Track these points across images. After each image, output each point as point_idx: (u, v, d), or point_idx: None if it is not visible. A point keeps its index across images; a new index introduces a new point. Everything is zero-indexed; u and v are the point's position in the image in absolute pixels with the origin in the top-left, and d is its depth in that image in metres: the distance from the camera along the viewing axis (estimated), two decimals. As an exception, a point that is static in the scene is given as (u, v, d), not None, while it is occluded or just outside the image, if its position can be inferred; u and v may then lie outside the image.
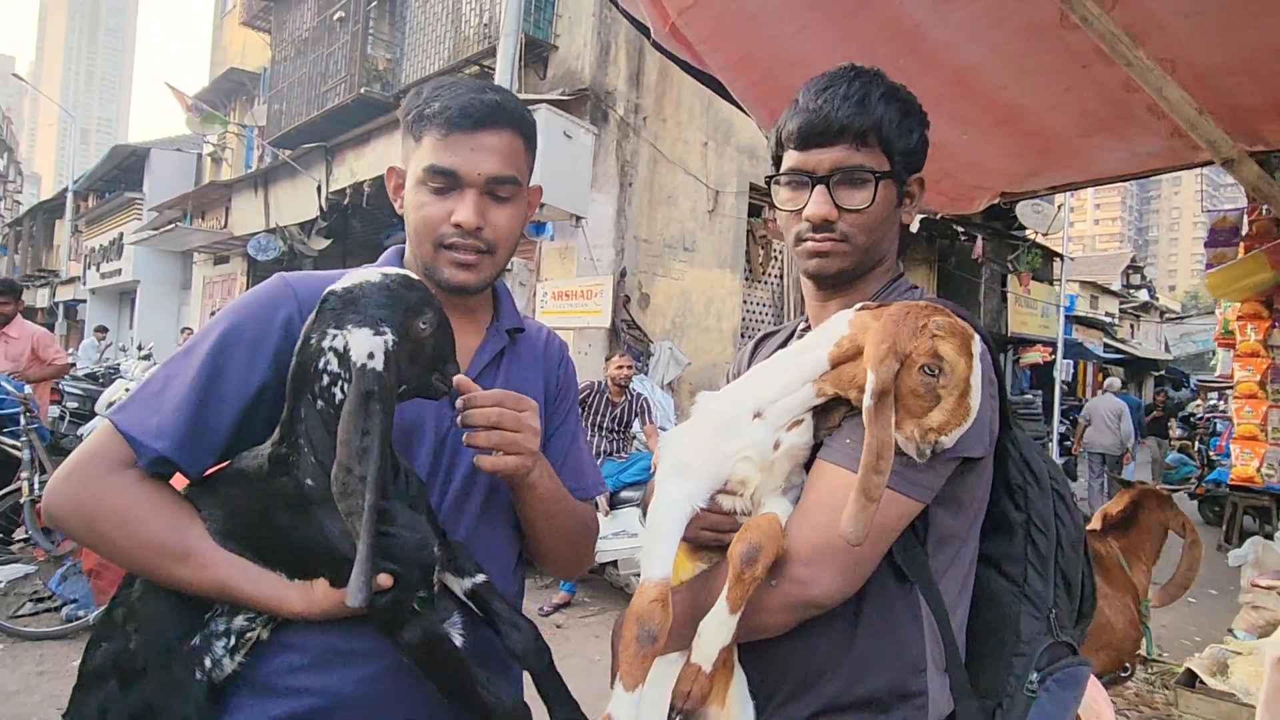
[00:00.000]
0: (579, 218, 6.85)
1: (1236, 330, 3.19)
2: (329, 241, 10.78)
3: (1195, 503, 11.05)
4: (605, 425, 5.63)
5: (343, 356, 0.88)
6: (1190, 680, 2.70)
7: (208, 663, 0.97)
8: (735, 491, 0.97)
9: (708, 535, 0.99)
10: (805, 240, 1.08)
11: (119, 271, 20.01)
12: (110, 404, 7.60)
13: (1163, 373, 29.65)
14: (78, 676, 1.02)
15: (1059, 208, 12.92)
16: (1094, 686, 1.73)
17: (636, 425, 5.85)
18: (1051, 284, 14.72)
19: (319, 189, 10.12)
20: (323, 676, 1.00)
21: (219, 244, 14.61)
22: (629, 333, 8.04)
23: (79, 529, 0.97)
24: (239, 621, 0.98)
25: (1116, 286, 32.35)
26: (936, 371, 0.86)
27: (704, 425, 1.00)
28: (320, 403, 0.90)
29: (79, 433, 7.69)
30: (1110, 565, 2.20)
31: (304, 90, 11.48)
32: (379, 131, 9.04)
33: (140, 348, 9.71)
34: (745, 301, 9.90)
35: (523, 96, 6.23)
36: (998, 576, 1.03)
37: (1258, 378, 3.16)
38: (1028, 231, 13.25)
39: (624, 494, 5.46)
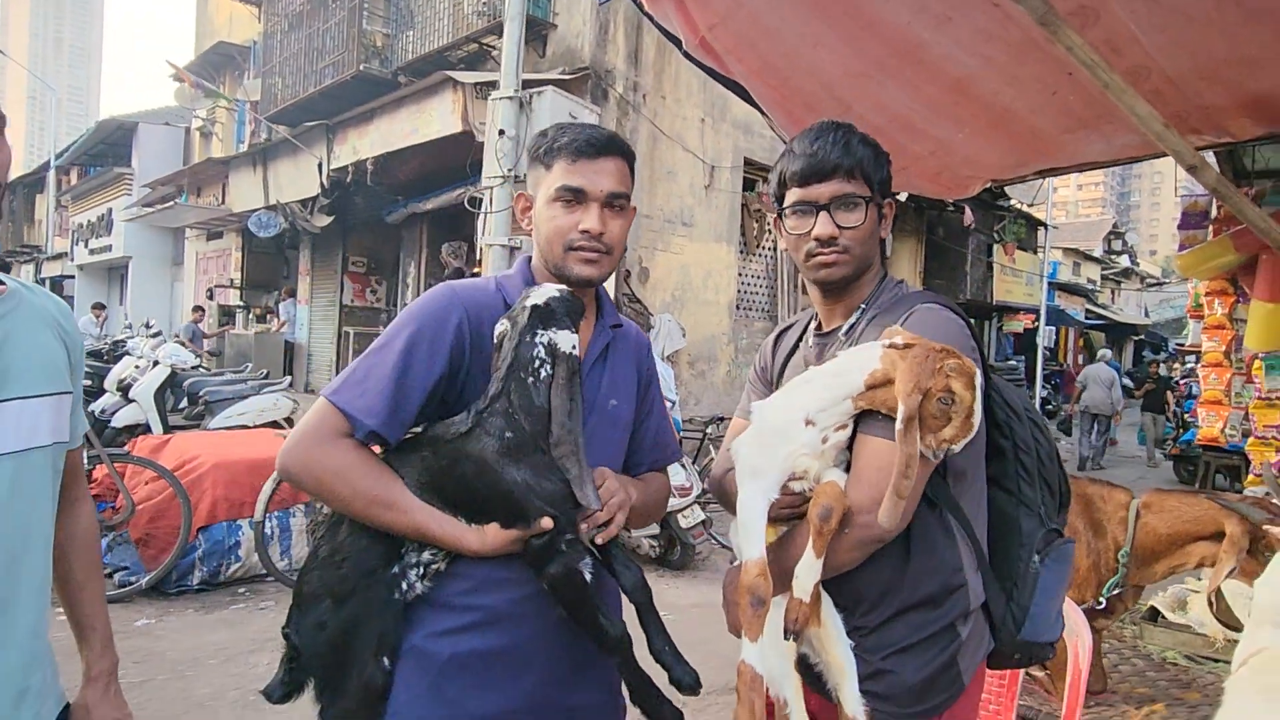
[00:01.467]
0: (584, 196, 7.08)
1: (1205, 304, 3.50)
2: (331, 219, 10.93)
3: (1171, 462, 11.57)
4: (615, 396, 5.91)
5: (550, 348, 1.24)
6: (1153, 616, 3.09)
7: (404, 586, 1.28)
8: (800, 478, 1.30)
9: (786, 512, 1.31)
10: (815, 255, 1.37)
11: (109, 248, 19.96)
12: (120, 381, 7.78)
13: (1142, 337, 30.23)
14: (294, 599, 1.32)
15: (1043, 180, 13.23)
16: (1074, 610, 2.05)
17: (644, 396, 6.16)
18: (1035, 253, 15.08)
19: (320, 166, 10.25)
20: (487, 596, 1.29)
21: (216, 220, 14.68)
22: (630, 306, 8.32)
23: (310, 484, 1.26)
24: (426, 555, 1.29)
25: (1098, 253, 32.73)
26: (950, 402, 1.15)
27: (764, 433, 1.32)
28: (531, 379, 1.23)
29: (90, 409, 7.89)
30: (1103, 517, 2.46)
31: (299, 65, 11.53)
32: (382, 110, 9.17)
33: (148, 325, 9.85)
34: (741, 274, 10.18)
35: (525, 77, 6.42)
36: (999, 491, 1.38)
37: (1223, 348, 3.49)
38: (1013, 202, 13.54)
39: (635, 460, 5.79)
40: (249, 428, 7.01)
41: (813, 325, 1.51)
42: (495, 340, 1.30)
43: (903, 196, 12.17)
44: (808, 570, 1.22)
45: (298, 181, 11.01)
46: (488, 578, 1.30)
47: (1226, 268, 3.12)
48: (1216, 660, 2.74)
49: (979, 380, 1.17)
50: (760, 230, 10.23)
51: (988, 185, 3.71)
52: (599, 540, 1.27)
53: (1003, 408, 1.38)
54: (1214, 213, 3.65)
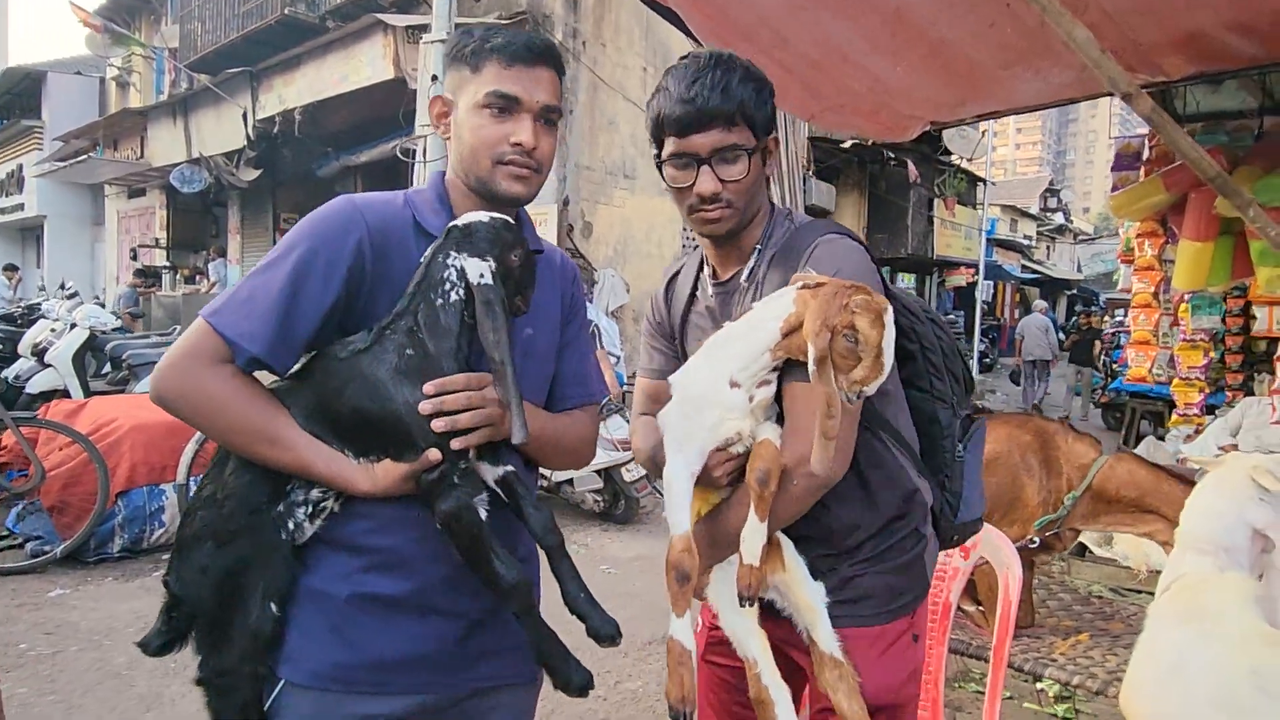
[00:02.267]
0: (522, 146, 6.88)
1: (1136, 247, 3.55)
2: (259, 172, 10.44)
3: (1100, 410, 12.01)
4: (557, 351, 5.81)
5: (460, 273, 1.16)
6: (1081, 551, 3.16)
7: (291, 525, 1.17)
8: (734, 442, 1.25)
9: (729, 477, 1.26)
10: (698, 211, 1.31)
11: (21, 206, 18.86)
12: (35, 345, 7.38)
13: (1074, 292, 31.22)
14: (176, 542, 1.21)
15: (983, 134, 13.36)
16: (1005, 544, 2.06)
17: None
18: (975, 208, 15.31)
19: (245, 117, 9.74)
20: (388, 537, 1.20)
21: (135, 176, 13.92)
22: (573, 261, 8.17)
23: (186, 413, 1.14)
24: (314, 493, 1.18)
25: (1035, 210, 33.53)
26: (855, 340, 1.09)
27: (688, 401, 1.25)
28: (439, 300, 1.15)
29: (3, 375, 7.47)
30: (1060, 456, 2.46)
31: (220, 9, 10.89)
32: (309, 56, 8.72)
33: (64, 286, 9.32)
34: (685, 229, 10.08)
35: (459, 21, 6.14)
36: (915, 391, 1.41)
37: (1152, 289, 3.55)
38: (953, 157, 13.68)
39: (577, 415, 5.71)
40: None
41: (707, 273, 1.44)
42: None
43: (847, 144, 12.25)
44: (754, 534, 1.19)
45: (221, 133, 10.47)
46: (388, 517, 1.20)
47: (1157, 208, 3.16)
48: (1139, 592, 2.81)
49: (889, 317, 1.12)
50: (704, 184, 10.12)
51: (926, 128, 3.66)
52: (454, 445, 1.15)
53: (904, 314, 1.37)
54: (1146, 154, 3.69)
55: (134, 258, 14.56)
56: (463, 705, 1.28)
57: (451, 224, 1.19)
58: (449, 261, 1.15)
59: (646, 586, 4.54)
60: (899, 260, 13.65)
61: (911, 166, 12.13)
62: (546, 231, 7.10)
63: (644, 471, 5.66)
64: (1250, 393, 8.14)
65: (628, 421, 5.67)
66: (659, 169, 1.35)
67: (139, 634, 1.22)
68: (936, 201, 13.47)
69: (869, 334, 1.10)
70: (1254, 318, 5.23)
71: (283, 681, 1.16)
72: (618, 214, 9.00)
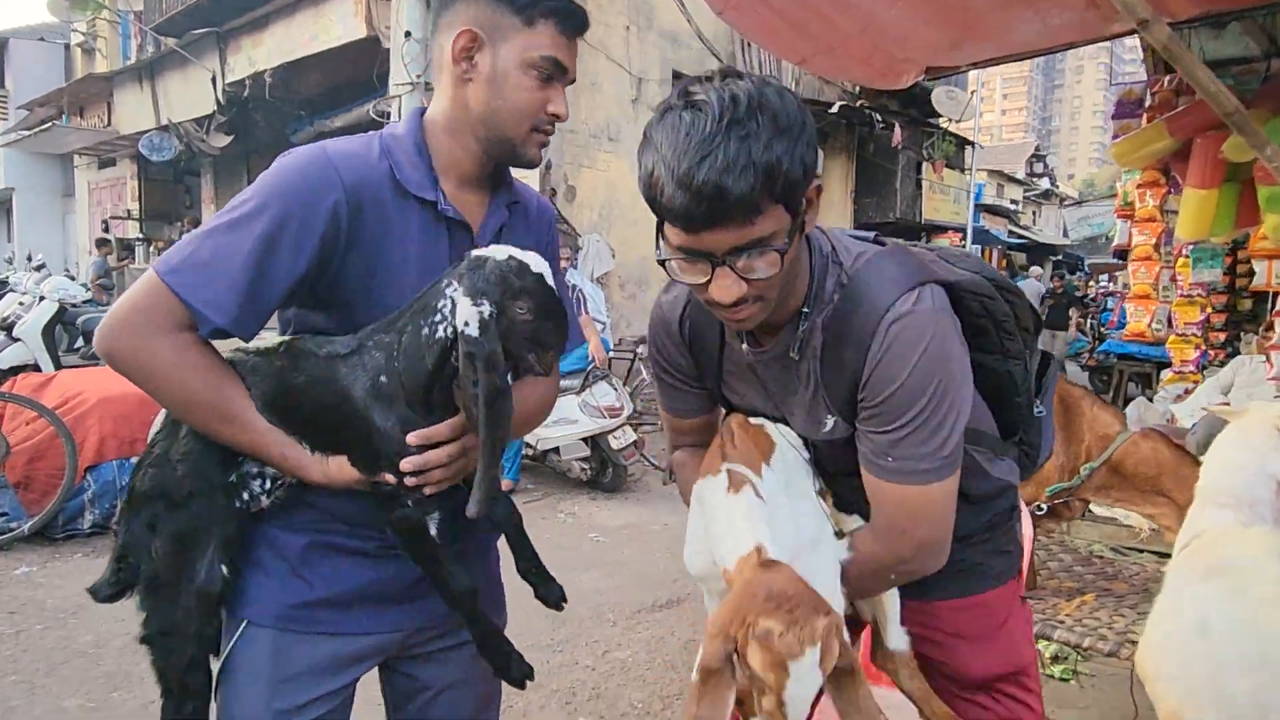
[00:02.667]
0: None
1: (1136, 198, 3.43)
2: (230, 139, 10.13)
3: (1087, 373, 12.00)
4: (540, 317, 5.66)
5: (452, 310, 1.02)
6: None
7: (245, 495, 1.13)
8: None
9: None
10: (719, 310, 1.04)
11: (-11, 179, 18.33)
12: (2, 319, 7.17)
13: (1060, 257, 31.23)
14: (127, 495, 1.16)
15: (971, 94, 13.18)
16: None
17: (571, 316, 5.93)
18: (963, 171, 15.16)
19: (214, 80, 9.42)
20: (348, 505, 1.16)
21: (104, 144, 13.51)
22: (557, 226, 7.98)
23: (137, 376, 1.05)
24: (270, 469, 1.12)
25: (1021, 175, 33.40)
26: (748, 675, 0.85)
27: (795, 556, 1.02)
28: (425, 330, 1.04)
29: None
30: (1083, 423, 2.36)
31: (185, -31, 10.47)
32: (277, 15, 8.41)
33: (30, 258, 9.05)
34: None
35: (434, -25, 5.92)
36: (986, 356, 1.23)
37: (1153, 241, 3.44)
38: (941, 120, 13.50)
39: (562, 383, 5.58)
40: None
41: (739, 340, 1.18)
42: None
43: (834, 108, 12.03)
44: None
45: (190, 98, 10.14)
46: (337, 510, 1.17)
47: (1160, 154, 3.04)
48: (1141, 551, 2.74)
49: (803, 663, 0.84)
50: (690, 147, 9.90)
51: (920, 77, 3.51)
52: (410, 483, 1.09)
53: (974, 297, 1.18)
54: (1148, 101, 3.56)
55: (105, 230, 14.19)
56: (425, 647, 1.28)
57: (473, 252, 1.08)
58: (448, 291, 1.03)
59: (635, 555, 4.45)
60: (887, 225, 13.51)
61: (897, 129, 11.94)
62: (528, 195, 6.92)
63: (633, 438, 5.56)
64: (1236, 353, 8.16)
65: (614, 389, 5.56)
66: (658, 249, 1.04)
67: (108, 611, 1.18)
68: (925, 165, 13.31)
69: (762, 676, 0.85)
70: (1243, 275, 5.15)
71: (245, 623, 1.15)
72: (601, 178, 8.80)
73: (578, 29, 1.17)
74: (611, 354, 5.91)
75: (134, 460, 4.50)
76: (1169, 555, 1.63)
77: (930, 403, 1.04)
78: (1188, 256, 3.60)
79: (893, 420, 1.05)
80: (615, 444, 5.47)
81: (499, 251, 1.06)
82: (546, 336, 1.07)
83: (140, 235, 14.14)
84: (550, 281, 1.07)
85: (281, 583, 1.15)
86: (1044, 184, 37.50)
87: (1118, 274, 23.23)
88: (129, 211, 14.46)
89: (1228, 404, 5.31)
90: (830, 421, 1.13)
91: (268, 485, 1.12)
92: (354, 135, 1.19)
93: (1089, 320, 14.67)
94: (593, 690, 2.92)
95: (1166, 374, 4.30)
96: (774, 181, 0.92)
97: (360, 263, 1.11)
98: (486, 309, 1.00)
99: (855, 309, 1.07)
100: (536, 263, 1.06)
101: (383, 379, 1.06)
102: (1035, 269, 13.34)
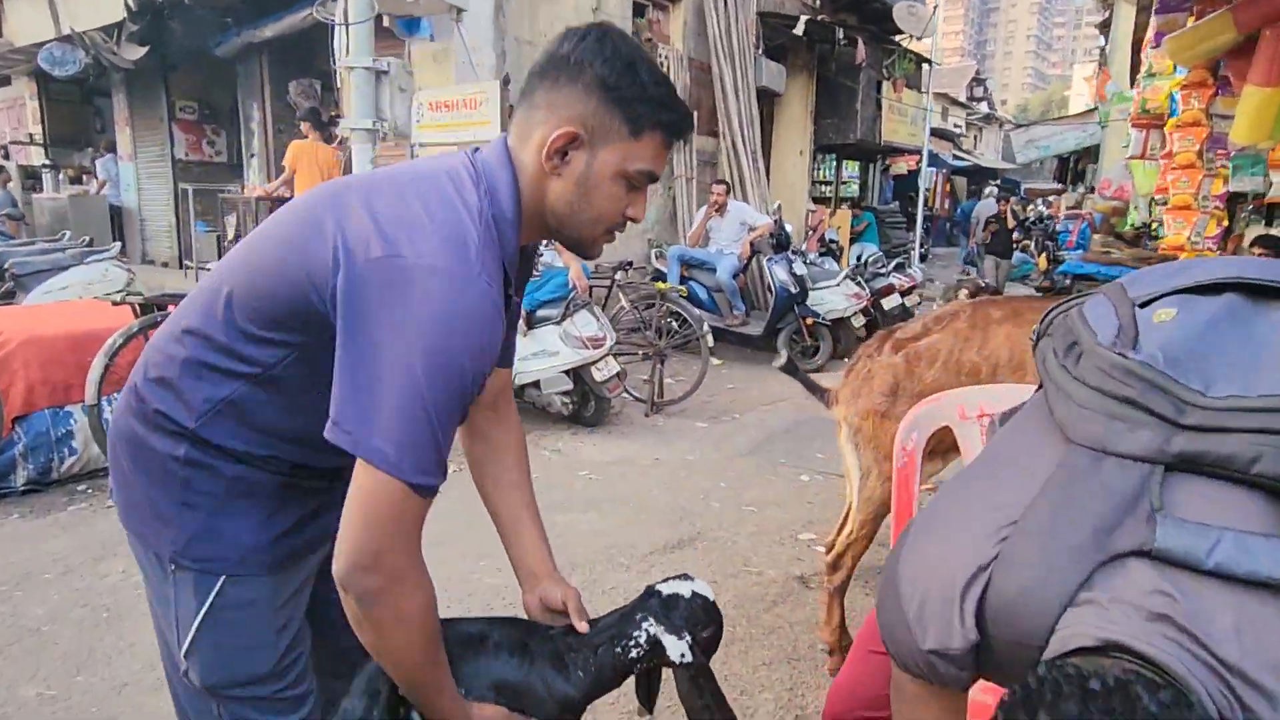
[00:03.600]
0: (460, 10, 6.03)
1: (1180, 100, 3.22)
2: (145, 50, 9.13)
3: (1041, 295, 12.15)
4: (513, 242, 5.25)
5: (652, 642, 1.20)
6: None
7: None
8: None
9: None
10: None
11: None
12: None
13: (999, 182, 31.63)
14: None
15: (934, 9, 12.82)
16: None
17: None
18: (920, 92, 14.91)
19: (121, -17, 8.40)
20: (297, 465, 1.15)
21: (-5, 60, 12.12)
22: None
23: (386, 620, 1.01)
24: None
25: (963, 98, 33.42)
26: None
27: None
28: (619, 649, 1.21)
29: None
30: None
31: None
32: (191, -95, 7.45)
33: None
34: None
35: None
36: None
37: (1196, 147, 3.25)
38: (903, 37, 13.14)
39: (540, 312, 5.22)
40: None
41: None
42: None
43: (798, 30, 11.55)
44: None
45: (96, 4, 9.06)
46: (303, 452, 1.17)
47: (1221, 49, 2.80)
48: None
49: None
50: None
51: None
52: None
53: None
54: (1197, -7, 3.35)
55: (5, 156, 12.90)
56: None
57: (653, 586, 1.26)
58: (644, 625, 1.22)
59: (632, 492, 4.21)
60: (847, 147, 13.23)
61: (861, 46, 11.55)
62: (488, 111, 6.36)
63: (616, 370, 5.26)
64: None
65: (596, 318, 5.23)
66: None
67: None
68: (885, 85, 12.98)
69: None
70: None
71: (222, 579, 1.12)
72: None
73: (680, 137, 1.11)
74: (590, 278, 5.55)
75: (69, 408, 4.07)
76: None
77: None
78: (1229, 162, 3.45)
79: None
80: (598, 376, 5.18)
81: (684, 589, 1.24)
82: (711, 652, 1.26)
83: (47, 161, 12.89)
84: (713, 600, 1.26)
85: (261, 523, 1.13)
86: (983, 108, 37.70)
87: (1051, 198, 23.65)
88: (31, 136, 13.14)
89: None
90: None
91: None
92: (453, 199, 1.03)
93: (1034, 244, 14.83)
94: (621, 643, 2.70)
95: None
96: None
97: None
98: (688, 640, 1.20)
99: None
100: (709, 593, 1.26)
101: (578, 673, 1.21)
102: (991, 189, 13.20)
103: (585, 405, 5.36)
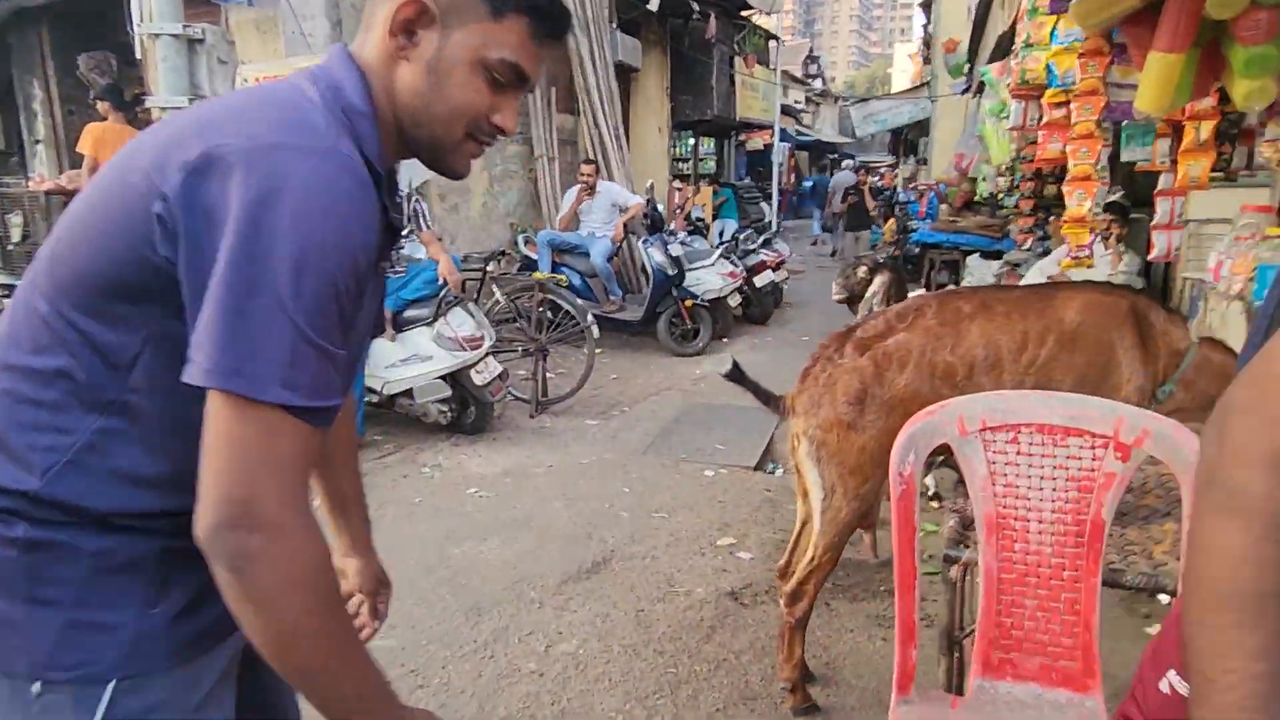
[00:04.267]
0: (285, -30, 5.27)
1: (1077, 69, 3.18)
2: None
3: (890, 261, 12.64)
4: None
5: None
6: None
7: None
8: None
9: None
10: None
11: None
12: None
13: (835, 155, 33.15)
14: None
15: (780, -15, 12.94)
16: (1184, 436, 1.58)
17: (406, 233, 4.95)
18: (770, 68, 15.09)
19: None
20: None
21: None
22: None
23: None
24: None
25: (799, 75, 34.63)
26: None
27: None
28: None
29: None
30: (1157, 337, 1.98)
31: None
32: None
33: None
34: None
35: None
36: None
37: (1095, 116, 3.23)
38: (752, 13, 13.20)
39: (409, 313, 4.66)
40: None
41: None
42: None
43: (652, 5, 11.31)
44: None
45: None
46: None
47: (1125, 14, 2.73)
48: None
49: None
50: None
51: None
52: None
53: None
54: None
55: None
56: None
57: None
58: None
59: (532, 507, 3.81)
60: (703, 123, 13.17)
61: (713, 21, 11.46)
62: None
63: (498, 371, 4.80)
64: (1045, 236, 8.78)
65: (471, 315, 4.75)
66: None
67: None
68: (737, 60, 12.99)
69: None
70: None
71: (110, 686, 0.85)
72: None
73: (553, 35, 0.96)
74: (461, 270, 5.01)
75: None
76: None
77: None
78: (1124, 129, 3.51)
79: None
80: (479, 379, 4.70)
81: None
82: None
83: None
84: None
85: (146, 603, 0.88)
86: (819, 85, 39.32)
87: (884, 170, 25.00)
88: None
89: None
90: None
91: None
92: (288, 95, 0.87)
93: (896, 211, 15.50)
94: (552, 705, 2.32)
95: (1066, 260, 4.26)
96: None
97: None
98: None
99: None
100: None
101: None
102: (847, 162, 13.51)
103: (465, 412, 4.88)
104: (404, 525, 3.59)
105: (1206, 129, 3.40)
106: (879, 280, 4.19)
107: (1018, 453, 1.54)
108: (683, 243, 8.18)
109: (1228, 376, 2.04)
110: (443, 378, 4.60)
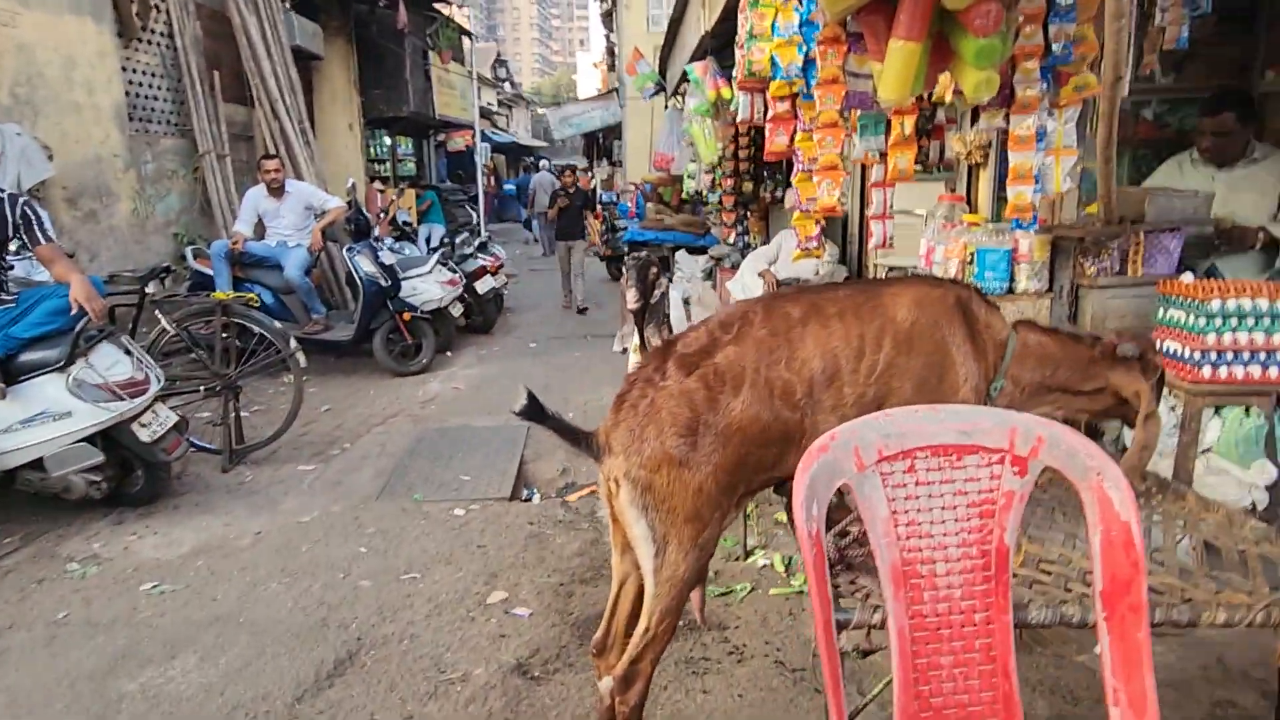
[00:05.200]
0: None
1: (817, 57, 3.13)
2: None
3: (605, 263, 12.76)
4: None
5: None
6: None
7: None
8: None
9: None
10: None
11: None
12: None
13: (532, 159, 33.47)
14: None
15: (468, -21, 12.41)
16: (1083, 443, 1.36)
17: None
18: (464, 65, 14.49)
19: None
20: None
21: None
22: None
23: None
24: None
25: (490, 78, 34.39)
26: None
27: None
28: None
29: None
30: (982, 330, 1.80)
31: None
32: None
33: None
34: (126, 68, 7.14)
35: None
36: None
37: (838, 106, 3.20)
38: (443, 6, 12.50)
39: (28, 356, 3.42)
40: None
41: None
42: None
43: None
44: None
45: None
46: None
47: (863, 2, 2.67)
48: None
49: None
50: (144, 6, 7.21)
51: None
52: None
53: None
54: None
55: None
56: None
57: None
58: None
59: (240, 597, 2.93)
60: (400, 120, 12.18)
61: (402, 11, 10.61)
62: None
63: (173, 420, 3.74)
64: (745, 231, 9.28)
65: (127, 352, 3.66)
66: None
67: None
68: (433, 55, 12.21)
69: None
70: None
71: None
72: (6, 38, 5.83)
73: None
74: (105, 295, 3.82)
75: None
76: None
77: None
78: (858, 120, 3.55)
79: None
80: (145, 435, 3.61)
81: None
82: None
83: None
84: None
85: None
86: (508, 88, 39.37)
87: (580, 171, 25.68)
88: None
89: (773, 272, 5.81)
90: None
91: None
92: None
93: (602, 211, 15.67)
94: None
95: (797, 251, 4.30)
96: None
97: None
98: None
99: None
100: None
101: None
102: (544, 161, 13.38)
103: (129, 479, 3.74)
104: (41, 658, 2.54)
105: (909, 123, 3.57)
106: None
107: (916, 483, 1.25)
108: (393, 249, 7.37)
109: (1047, 357, 2.02)
110: (90, 439, 3.45)
